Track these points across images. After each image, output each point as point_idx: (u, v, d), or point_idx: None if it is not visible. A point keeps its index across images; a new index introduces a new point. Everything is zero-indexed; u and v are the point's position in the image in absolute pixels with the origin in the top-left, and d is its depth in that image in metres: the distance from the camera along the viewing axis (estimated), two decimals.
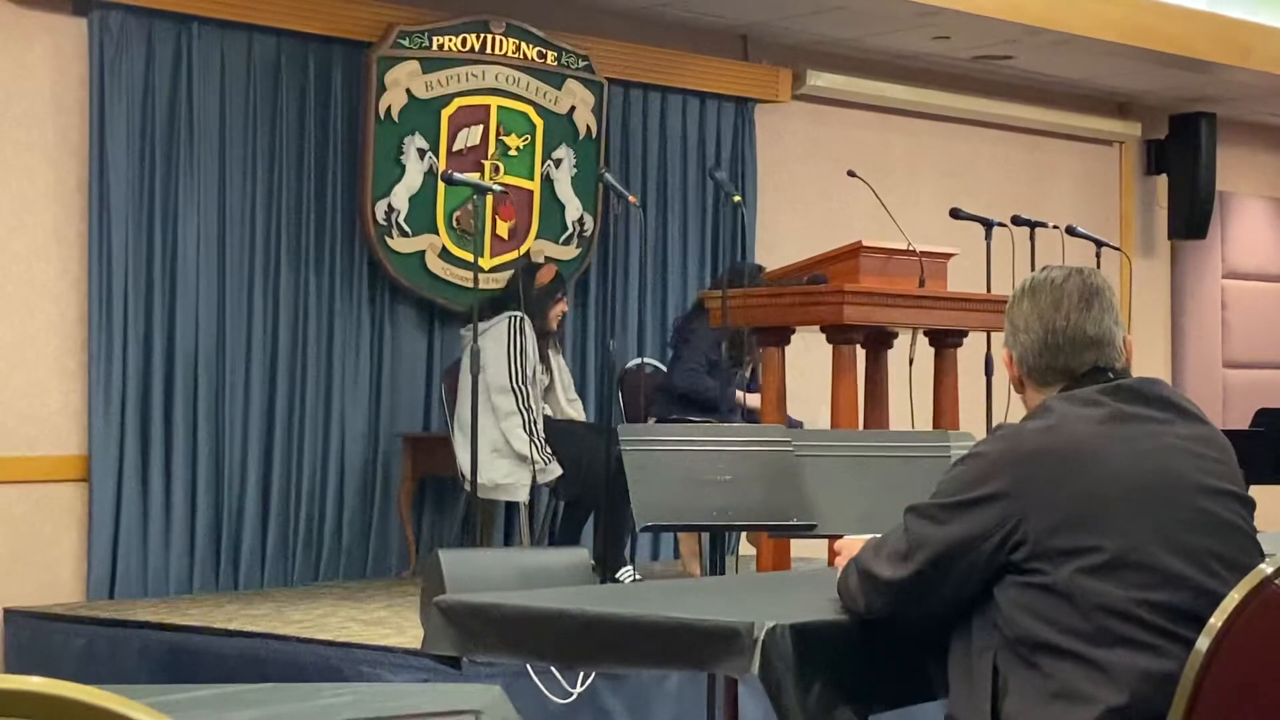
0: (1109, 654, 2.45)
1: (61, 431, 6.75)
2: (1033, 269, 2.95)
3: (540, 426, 6.84)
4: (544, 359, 7.05)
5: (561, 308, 7.24)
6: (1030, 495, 2.51)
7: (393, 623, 5.89)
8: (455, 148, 7.59)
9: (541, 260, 7.53)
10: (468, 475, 6.36)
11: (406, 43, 7.44)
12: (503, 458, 6.76)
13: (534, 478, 6.76)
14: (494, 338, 6.79)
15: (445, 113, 7.57)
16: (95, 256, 6.73)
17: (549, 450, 6.80)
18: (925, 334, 6.70)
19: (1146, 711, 2.42)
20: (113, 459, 6.75)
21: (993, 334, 6.61)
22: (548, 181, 7.90)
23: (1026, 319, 2.71)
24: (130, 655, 5.87)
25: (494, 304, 6.94)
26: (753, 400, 7.02)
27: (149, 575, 6.80)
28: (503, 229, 7.75)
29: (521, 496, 6.88)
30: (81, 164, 6.76)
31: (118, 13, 6.78)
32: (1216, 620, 2.36)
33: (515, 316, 6.87)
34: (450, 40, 7.57)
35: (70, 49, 6.76)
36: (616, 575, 6.60)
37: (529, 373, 6.83)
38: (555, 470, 6.81)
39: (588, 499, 6.91)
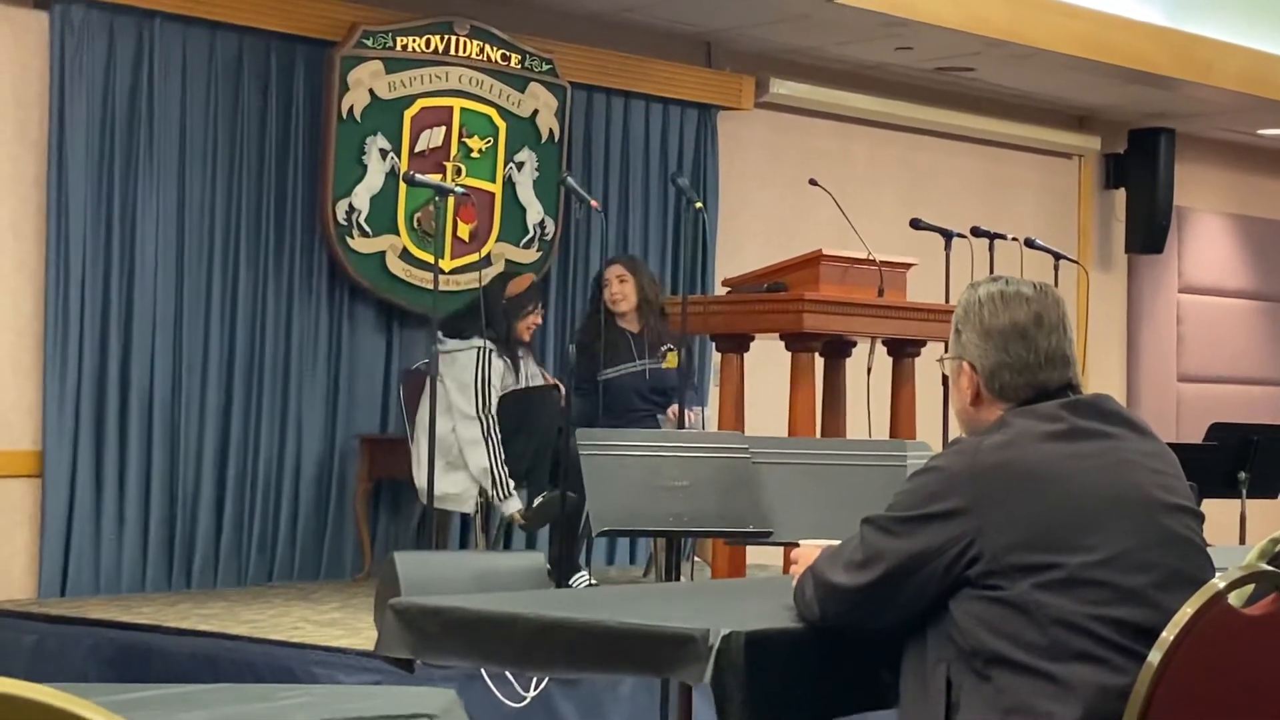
0: (1064, 668, 2.45)
1: (15, 427, 6.69)
2: None
3: (503, 457, 6.75)
4: (515, 369, 6.99)
5: (534, 320, 7.12)
6: (988, 512, 2.51)
7: (346, 624, 5.86)
8: (417, 149, 7.58)
9: (515, 270, 7.45)
10: (421, 485, 6.32)
11: (370, 42, 7.42)
12: (456, 470, 6.71)
13: (489, 499, 6.72)
14: (461, 365, 6.72)
15: (408, 113, 7.55)
16: (53, 251, 6.68)
17: (510, 484, 6.74)
18: (884, 343, 6.72)
19: None
20: (67, 455, 6.70)
21: None
22: (509, 184, 7.88)
23: (1005, 335, 2.66)
24: (81, 653, 5.82)
25: (465, 315, 6.74)
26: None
27: (101, 573, 6.76)
28: (464, 231, 7.74)
29: (468, 508, 6.85)
30: (40, 158, 6.71)
31: (79, 7, 6.74)
32: (1169, 634, 2.37)
33: (482, 348, 6.75)
34: (414, 41, 7.56)
35: (31, 42, 6.72)
36: (570, 581, 6.58)
37: (496, 401, 6.77)
38: (515, 504, 6.76)
39: (538, 476, 6.81)
